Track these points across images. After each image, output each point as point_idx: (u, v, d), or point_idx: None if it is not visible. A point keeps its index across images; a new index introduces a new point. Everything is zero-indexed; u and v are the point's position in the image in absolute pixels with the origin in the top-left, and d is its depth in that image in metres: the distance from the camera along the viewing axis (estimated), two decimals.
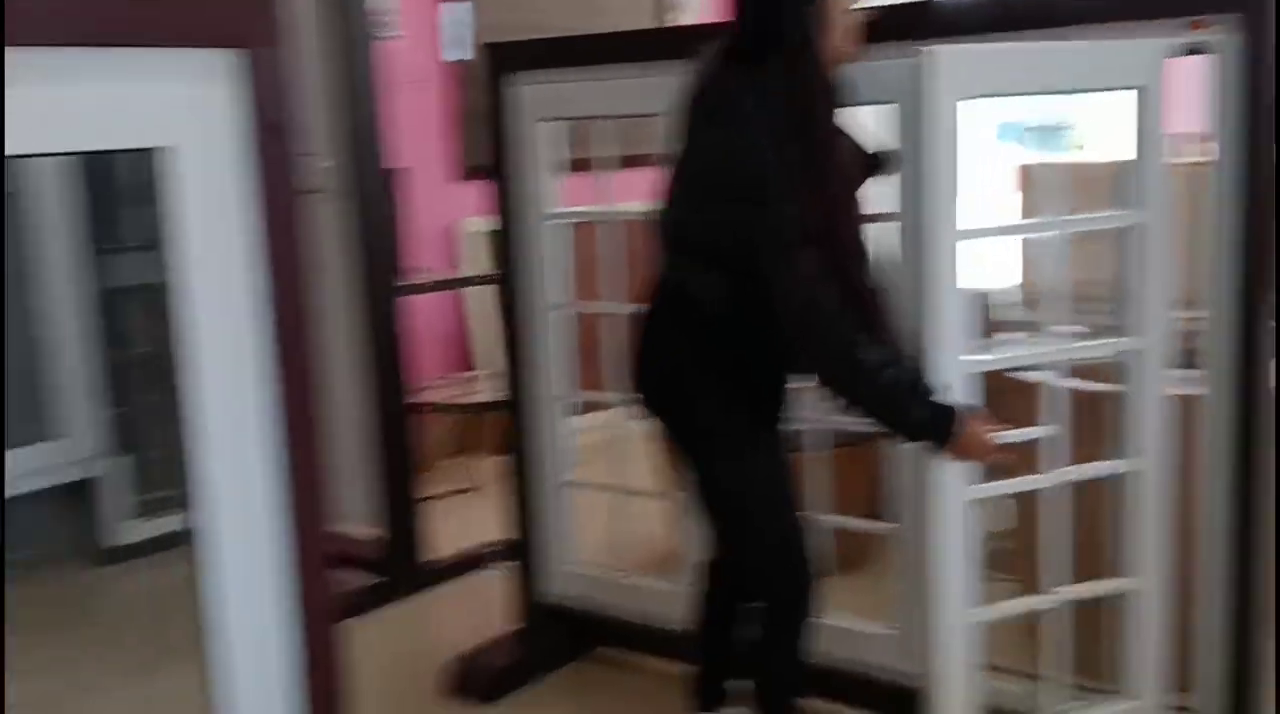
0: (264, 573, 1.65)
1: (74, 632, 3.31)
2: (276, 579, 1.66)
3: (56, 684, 2.95)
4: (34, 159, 3.54)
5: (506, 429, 3.00)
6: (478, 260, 4.81)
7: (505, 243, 2.92)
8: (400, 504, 3.46)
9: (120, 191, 3.86)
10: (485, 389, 4.42)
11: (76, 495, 3.85)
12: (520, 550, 2.99)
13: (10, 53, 1.31)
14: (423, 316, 4.54)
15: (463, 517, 4.02)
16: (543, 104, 2.78)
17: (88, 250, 3.85)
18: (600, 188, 2.77)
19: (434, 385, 4.51)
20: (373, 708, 1.77)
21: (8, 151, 1.34)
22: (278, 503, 1.65)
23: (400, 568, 3.44)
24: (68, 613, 3.46)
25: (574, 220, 2.86)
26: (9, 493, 3.41)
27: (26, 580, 3.65)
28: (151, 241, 4.22)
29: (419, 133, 4.60)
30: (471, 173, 4.82)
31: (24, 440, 3.71)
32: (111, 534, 3.86)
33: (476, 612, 3.31)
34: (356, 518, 3.45)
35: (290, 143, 1.55)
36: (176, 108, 1.47)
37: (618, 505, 2.94)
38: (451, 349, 4.94)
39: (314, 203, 3.31)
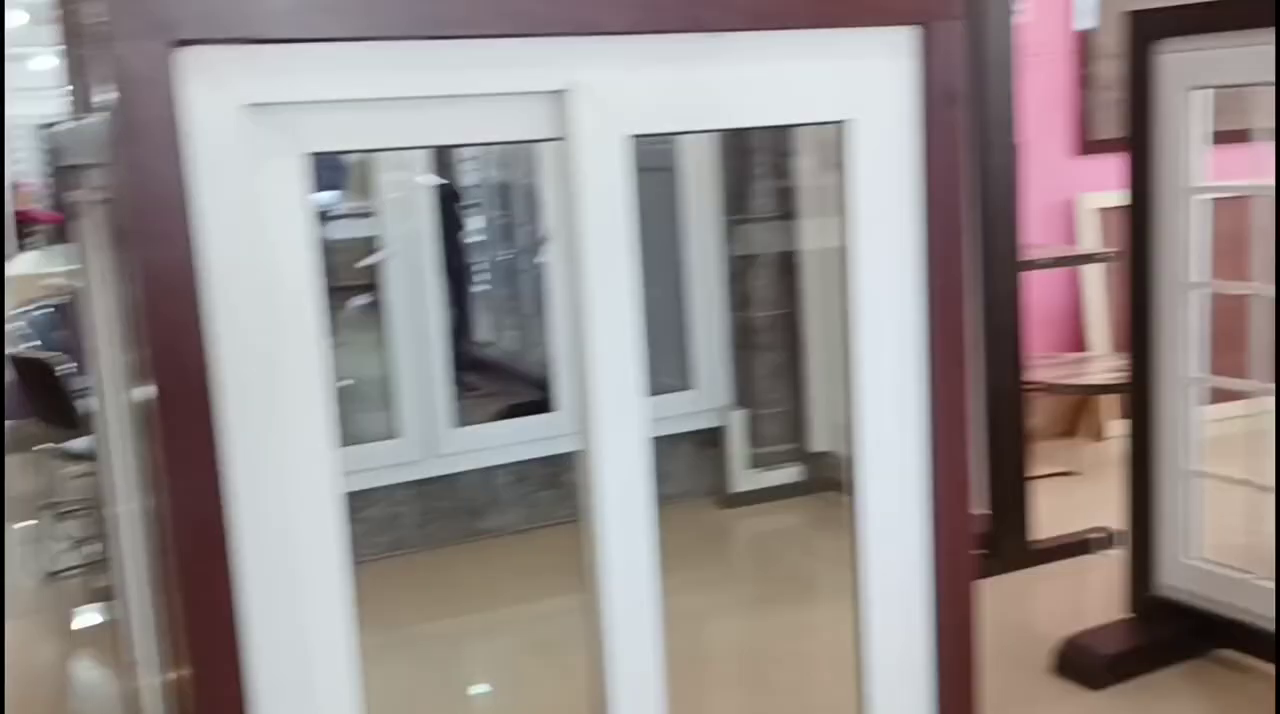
0: (909, 529, 1.74)
1: (704, 561, 3.67)
2: (920, 537, 1.74)
3: (695, 602, 3.30)
4: (688, 138, 3.94)
5: (1127, 412, 2.90)
6: (1097, 237, 4.66)
7: (1137, 218, 2.81)
8: (1007, 482, 3.46)
9: (749, 168, 4.19)
10: (1097, 370, 4.28)
11: (709, 442, 4.25)
12: (1135, 538, 2.88)
13: (711, 37, 1.48)
14: (1034, 293, 4.47)
15: (1063, 499, 3.93)
16: (1194, 71, 2.63)
17: (723, 221, 4.22)
18: (1259, 160, 2.58)
19: (1041, 364, 4.43)
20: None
21: (725, 125, 1.53)
22: (924, 464, 1.72)
23: (1004, 544, 3.44)
24: (698, 544, 3.84)
25: (1227, 195, 2.69)
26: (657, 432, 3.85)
27: (667, 513, 4.10)
28: (772, 213, 4.52)
29: (1037, 107, 4.52)
30: (1092, 146, 4.66)
31: (670, 388, 4.17)
32: (733, 480, 4.22)
33: (1081, 596, 3.25)
34: None
35: (961, 115, 1.61)
36: (859, 82, 1.58)
37: (1252, 502, 2.73)
38: (1062, 328, 4.82)
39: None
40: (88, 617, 3.65)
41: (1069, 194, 4.74)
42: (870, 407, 1.71)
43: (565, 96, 1.39)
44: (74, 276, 6.53)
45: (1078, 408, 4.57)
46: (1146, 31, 2.72)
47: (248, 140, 1.26)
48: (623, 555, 1.54)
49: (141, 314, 1.24)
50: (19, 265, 14.13)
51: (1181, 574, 2.81)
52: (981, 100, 3.36)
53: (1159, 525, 2.83)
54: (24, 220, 19.11)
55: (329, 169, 5.34)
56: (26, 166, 20.23)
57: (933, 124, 1.60)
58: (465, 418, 4.06)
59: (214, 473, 1.27)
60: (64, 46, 3.32)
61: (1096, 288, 4.74)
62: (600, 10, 1.42)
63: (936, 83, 1.59)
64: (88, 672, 3.32)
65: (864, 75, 1.57)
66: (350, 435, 4.13)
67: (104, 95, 1.28)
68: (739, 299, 4.30)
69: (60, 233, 20.09)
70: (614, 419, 1.49)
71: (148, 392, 1.28)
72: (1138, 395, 2.85)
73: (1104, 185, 4.45)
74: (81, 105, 3.18)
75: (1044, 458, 4.32)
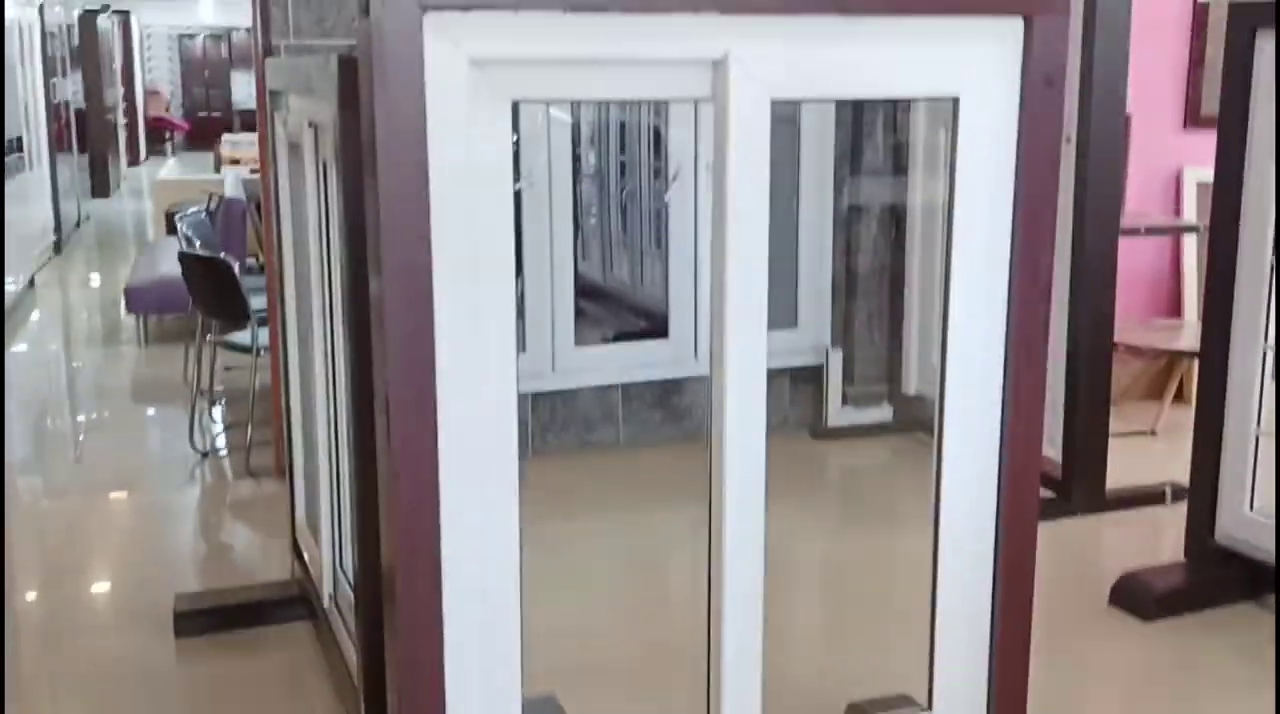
0: (983, 467, 2.00)
1: (796, 488, 3.97)
2: (992, 474, 2.00)
3: (786, 523, 3.60)
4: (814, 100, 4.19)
5: (1200, 374, 3.12)
6: (1199, 209, 4.82)
7: (1224, 192, 3.03)
8: (1087, 432, 3.69)
9: (864, 124, 4.43)
10: (1188, 336, 4.47)
11: (808, 379, 4.54)
12: (1199, 489, 3.12)
13: (848, 20, 1.76)
14: (1138, 260, 4.66)
15: (1139, 455, 4.16)
16: None
17: (837, 174, 4.47)
18: None
19: (1134, 327, 4.63)
20: (1037, 602, 2.07)
21: (854, 95, 1.80)
22: (1001, 409, 1.98)
23: (1079, 490, 3.68)
24: (792, 472, 4.13)
25: None
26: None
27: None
28: (882, 167, 4.74)
29: (1151, 79, 4.66)
30: (1201, 121, 4.80)
31: (775, 326, 4.45)
32: (827, 416, 4.51)
33: (1145, 540, 3.50)
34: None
35: (1059, 97, 1.86)
36: (969, 63, 1.84)
37: None
38: (1162, 295, 5.00)
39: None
40: (244, 490, 4.08)
41: (1176, 166, 4.90)
42: (957, 352, 1.98)
43: (723, 65, 1.68)
44: (223, 185, 6.91)
45: (1167, 371, 4.76)
46: (1248, 20, 2.92)
47: (470, 88, 1.58)
48: (738, 469, 1.84)
49: (380, 223, 1.57)
50: (160, 170, 14.78)
51: (1239, 525, 3.04)
52: (1093, 70, 3.53)
53: (1222, 479, 3.06)
54: (158, 127, 19.86)
55: None
56: (160, 74, 21.00)
57: (1032, 103, 1.87)
58: (582, 339, 4.39)
59: (430, 354, 1.60)
60: None
61: (1195, 259, 4.90)
62: None
63: (1037, 67, 1.85)
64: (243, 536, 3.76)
65: (974, 57, 1.84)
66: None
67: (358, 46, 1.60)
68: (846, 246, 4.56)
69: (189, 140, 20.48)
70: (740, 349, 1.80)
71: (378, 286, 1.61)
72: (1211, 358, 3.07)
73: (1210, 160, 4.59)
74: (279, 34, 3.54)
75: (1131, 416, 4.54)
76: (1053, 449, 3.72)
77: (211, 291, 4.14)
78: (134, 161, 16.52)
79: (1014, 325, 1.93)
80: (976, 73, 1.85)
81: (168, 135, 19.76)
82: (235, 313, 4.07)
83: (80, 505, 3.99)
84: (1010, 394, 1.99)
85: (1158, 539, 3.51)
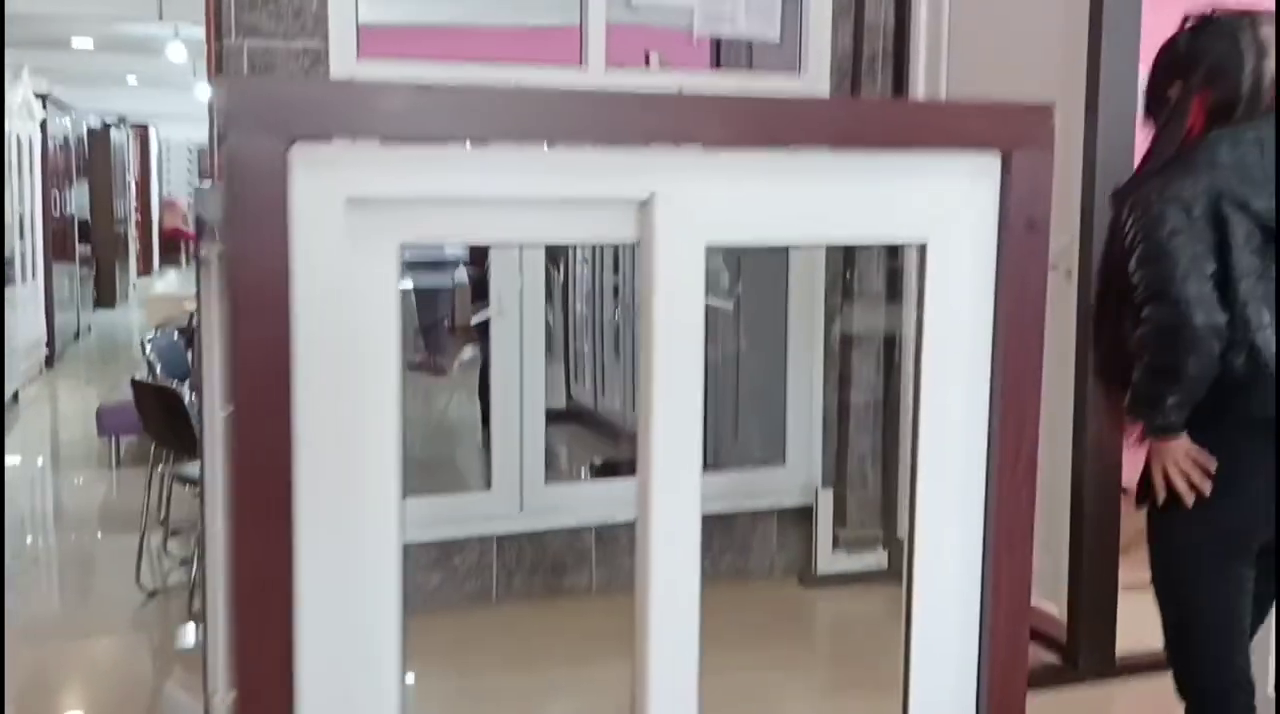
0: (963, 628, 1.74)
1: (781, 641, 3.68)
2: (972, 636, 1.74)
3: (768, 679, 3.32)
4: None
5: None
6: None
7: None
8: (1092, 586, 3.41)
9: (854, 253, 4.24)
10: None
11: (797, 520, 4.27)
12: None
13: (791, 155, 1.55)
14: None
15: (1151, 610, 3.85)
16: None
17: (828, 303, 4.26)
18: None
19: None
20: None
21: (800, 241, 1.59)
22: (982, 561, 1.73)
23: (1085, 652, 3.39)
24: (777, 623, 3.85)
25: None
26: (746, 507, 3.87)
27: (745, 588, 4.14)
28: (875, 296, 4.51)
29: None
30: None
31: (762, 463, 4.21)
32: (817, 561, 4.23)
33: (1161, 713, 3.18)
34: (1041, 592, 3.45)
35: (1044, 243, 1.64)
36: (937, 205, 1.62)
37: None
38: None
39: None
40: (187, 637, 3.80)
41: None
42: (930, 515, 1.72)
43: (648, 205, 1.46)
44: (197, 308, 6.83)
45: None
46: None
47: (347, 230, 1.36)
48: (667, 627, 1.58)
49: (236, 378, 1.34)
50: (160, 284, 14.74)
51: (1263, 704, 2.74)
52: (1094, 203, 3.35)
53: None
54: (172, 237, 19.97)
55: None
56: (179, 186, 21.23)
57: (1012, 250, 1.64)
58: (554, 476, 4.14)
59: (287, 529, 1.35)
60: (214, 98, 3.53)
61: None
62: (685, 124, 1.49)
63: (1018, 210, 1.62)
64: (177, 695, 3.47)
65: (943, 198, 1.61)
66: (448, 483, 4.26)
67: (215, 177, 1.39)
68: (837, 379, 4.33)
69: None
70: (667, 513, 1.54)
71: (231, 448, 1.37)
72: None
73: None
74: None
75: (1141, 565, 4.23)
76: (1055, 605, 3.43)
77: (163, 421, 3.92)
78: (145, 271, 16.53)
79: (994, 513, 1.67)
80: (947, 216, 1.62)
81: (183, 245, 19.86)
82: (188, 444, 3.85)
83: (10, 648, 3.72)
84: (990, 588, 1.72)
85: (1174, 713, 3.18)
